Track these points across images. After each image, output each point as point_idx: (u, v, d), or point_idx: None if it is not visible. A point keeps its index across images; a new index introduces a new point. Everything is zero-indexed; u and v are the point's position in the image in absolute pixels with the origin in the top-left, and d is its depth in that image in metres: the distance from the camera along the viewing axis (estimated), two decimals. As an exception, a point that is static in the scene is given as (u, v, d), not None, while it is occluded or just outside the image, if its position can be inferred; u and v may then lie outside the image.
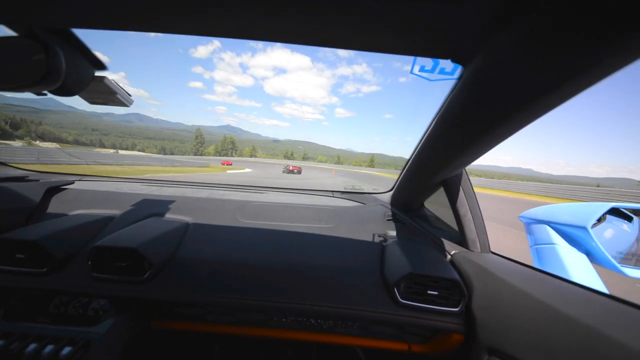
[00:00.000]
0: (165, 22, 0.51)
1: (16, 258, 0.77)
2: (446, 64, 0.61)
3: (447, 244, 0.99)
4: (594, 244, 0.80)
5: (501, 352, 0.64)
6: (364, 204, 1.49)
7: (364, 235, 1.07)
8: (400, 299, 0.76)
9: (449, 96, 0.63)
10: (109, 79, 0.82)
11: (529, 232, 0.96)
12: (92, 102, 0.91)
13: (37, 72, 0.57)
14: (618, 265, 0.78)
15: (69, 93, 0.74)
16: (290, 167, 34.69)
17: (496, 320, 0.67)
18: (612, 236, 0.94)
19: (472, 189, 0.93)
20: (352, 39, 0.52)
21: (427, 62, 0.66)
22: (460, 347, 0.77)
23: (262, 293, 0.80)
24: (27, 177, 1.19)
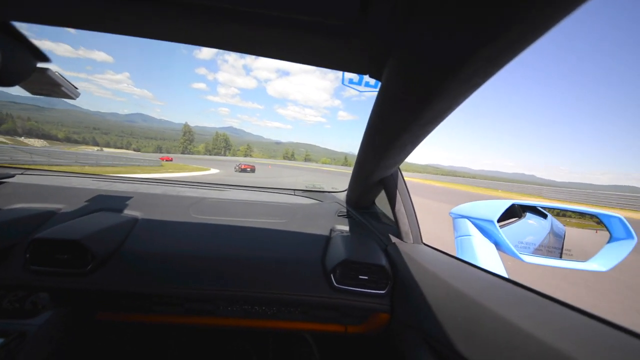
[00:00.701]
0: (98, 20, 0.54)
1: None
2: (370, 78, 0.70)
3: (386, 237, 1.11)
4: (499, 235, 0.94)
5: (416, 327, 0.75)
6: (321, 201, 1.58)
7: (314, 229, 1.15)
8: (335, 284, 0.85)
9: (372, 107, 0.73)
10: (52, 71, 0.82)
11: (455, 225, 1.10)
12: (35, 93, 0.89)
13: None
14: (517, 253, 0.94)
15: (6, 83, 0.73)
16: (242, 166, 32.25)
17: (413, 301, 0.78)
18: (515, 232, 1.11)
19: (406, 187, 1.05)
20: (273, 49, 0.59)
21: (354, 76, 0.76)
22: (387, 325, 0.88)
23: (208, 283, 0.85)
24: None
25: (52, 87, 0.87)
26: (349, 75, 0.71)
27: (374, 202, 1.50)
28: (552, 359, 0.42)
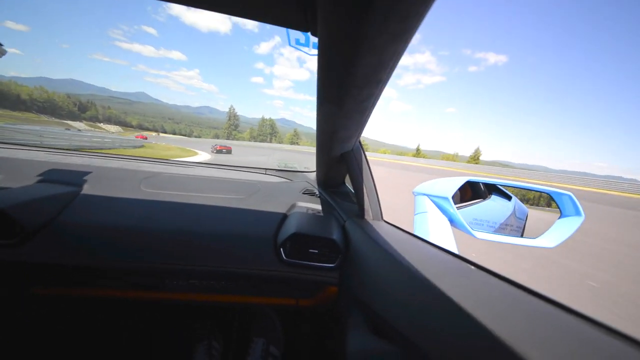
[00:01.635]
0: None
1: None
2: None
3: (348, 214, 1.09)
4: (453, 211, 0.94)
5: (361, 301, 0.74)
6: (291, 180, 1.54)
7: (274, 206, 1.12)
8: (284, 257, 0.83)
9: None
10: None
11: (415, 203, 1.10)
12: None
13: None
14: (470, 230, 0.94)
15: None
16: (218, 147, 33.78)
17: (361, 275, 0.78)
18: (472, 210, 1.12)
19: (368, 164, 1.03)
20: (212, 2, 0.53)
21: (300, 36, 0.71)
22: (336, 298, 0.88)
23: (151, 257, 0.81)
24: None
25: None
26: (294, 35, 0.65)
27: (344, 182, 1.48)
28: (486, 338, 0.39)
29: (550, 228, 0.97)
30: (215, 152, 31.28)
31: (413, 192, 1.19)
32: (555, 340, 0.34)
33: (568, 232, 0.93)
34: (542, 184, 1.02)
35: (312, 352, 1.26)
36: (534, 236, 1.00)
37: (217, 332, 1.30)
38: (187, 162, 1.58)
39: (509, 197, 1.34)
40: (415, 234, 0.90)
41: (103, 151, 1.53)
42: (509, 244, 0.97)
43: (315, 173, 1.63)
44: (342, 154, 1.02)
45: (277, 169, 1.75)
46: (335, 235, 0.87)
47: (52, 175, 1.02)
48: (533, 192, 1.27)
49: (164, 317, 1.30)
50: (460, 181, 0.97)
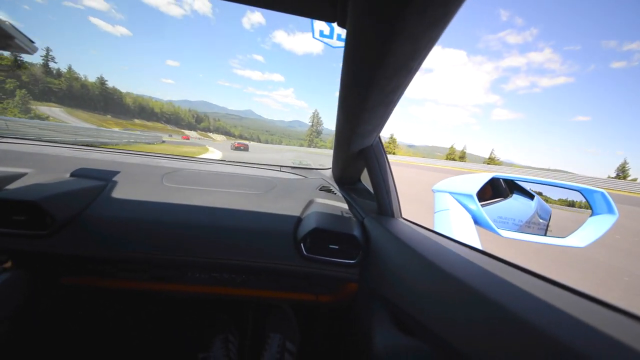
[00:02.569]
0: None
1: None
2: (342, 30, 0.64)
3: (365, 210, 1.08)
4: (478, 209, 0.91)
5: (382, 297, 0.73)
6: (306, 177, 1.54)
7: (292, 202, 1.12)
8: (305, 253, 0.83)
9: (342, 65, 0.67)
10: (3, 22, 0.75)
11: (435, 201, 1.07)
12: None
13: None
14: (495, 228, 0.91)
15: None
16: (237, 144, 40.18)
17: (382, 271, 0.76)
18: (497, 208, 1.08)
19: (387, 160, 1.01)
20: None
21: (325, 27, 0.70)
22: (355, 294, 0.87)
23: (174, 250, 0.82)
24: None
25: (5, 39, 0.81)
26: (319, 26, 0.64)
27: (359, 179, 1.46)
28: (518, 329, 0.39)
29: (580, 227, 0.93)
30: (234, 149, 35.03)
31: (432, 190, 1.17)
32: (592, 330, 0.34)
33: (600, 230, 0.89)
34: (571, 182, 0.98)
35: (327, 348, 1.25)
36: (562, 235, 0.96)
37: (233, 326, 1.31)
38: (206, 159, 1.60)
39: (531, 196, 1.30)
40: (437, 231, 0.88)
41: (125, 147, 1.57)
42: (536, 243, 0.93)
43: (330, 170, 1.62)
44: (361, 150, 1.01)
45: (292, 166, 1.75)
46: (356, 231, 0.86)
47: (79, 170, 1.06)
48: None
49: (183, 310, 1.32)
50: (484, 178, 0.94)
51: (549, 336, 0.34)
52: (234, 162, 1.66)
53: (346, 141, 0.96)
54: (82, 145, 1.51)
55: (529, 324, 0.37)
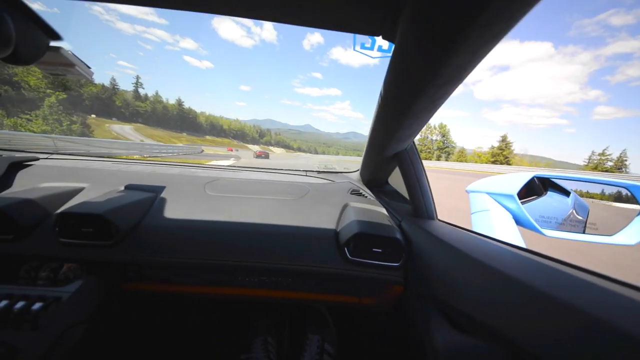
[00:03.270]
0: None
1: None
2: (383, 41, 0.67)
3: (400, 213, 1.09)
4: (519, 209, 0.91)
5: (430, 298, 0.75)
6: (333, 181, 1.57)
7: (327, 206, 1.15)
8: (349, 256, 0.86)
9: (386, 73, 0.69)
10: (65, 50, 0.82)
11: (471, 201, 1.07)
12: (52, 74, 0.91)
13: None
14: (538, 227, 0.90)
15: (23, 62, 0.75)
16: (258, 153, 43.48)
17: (428, 272, 0.78)
18: (537, 206, 1.06)
19: (421, 163, 1.02)
20: (287, 13, 0.57)
21: (366, 40, 0.72)
22: (400, 296, 0.89)
23: (226, 254, 0.87)
24: None
25: (66, 67, 0.88)
26: (360, 39, 0.67)
27: (387, 182, 1.47)
28: (582, 323, 0.41)
29: (629, 224, 0.90)
30: (256, 157, 37.85)
31: (467, 190, 1.16)
32: None
33: (651, 228, 0.86)
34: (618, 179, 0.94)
35: (366, 349, 1.27)
36: (609, 233, 0.93)
37: (272, 330, 1.35)
38: (238, 166, 1.66)
39: (567, 193, 1.26)
40: (477, 232, 0.88)
41: (164, 159, 1.66)
42: (582, 241, 0.91)
43: (355, 173, 1.64)
44: (395, 153, 1.02)
45: (317, 171, 1.78)
46: (398, 234, 0.88)
47: (130, 183, 1.13)
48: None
49: (225, 313, 1.38)
50: (525, 177, 0.93)
51: (615, 327, 0.36)
52: (263, 168, 1.71)
53: (381, 145, 0.98)
54: (122, 158, 1.61)
55: (602, 320, 0.38)
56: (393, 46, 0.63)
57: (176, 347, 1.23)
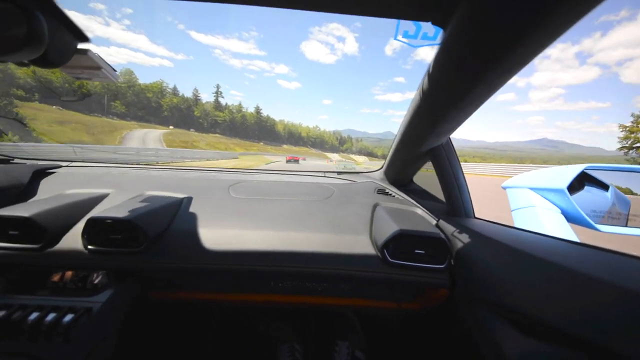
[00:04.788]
0: None
1: (9, 234, 0.77)
2: (428, 28, 0.62)
3: (435, 211, 1.04)
4: (570, 204, 0.85)
5: (482, 299, 0.69)
6: (354, 181, 1.52)
7: (356, 206, 1.10)
8: (389, 259, 0.80)
9: (431, 62, 0.65)
10: (92, 52, 0.80)
11: (510, 198, 1.01)
12: (77, 78, 0.89)
13: (17, 39, 0.56)
14: (592, 223, 0.84)
15: (52, 64, 0.72)
16: (288, 157, 43.57)
17: (478, 273, 0.72)
18: (587, 200, 1.00)
19: (457, 159, 0.97)
20: (334, 2, 0.53)
21: (410, 27, 0.68)
22: (446, 300, 0.83)
23: (258, 259, 0.83)
24: (12, 160, 1.17)
25: (93, 70, 0.86)
26: (404, 26, 0.63)
27: (412, 180, 1.42)
28: None
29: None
30: (287, 162, 38.68)
31: (503, 187, 1.10)
32: None
33: None
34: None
35: (398, 357, 1.21)
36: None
37: (296, 336, 1.31)
38: (255, 169, 1.63)
39: (605, 187, 1.20)
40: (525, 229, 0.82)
41: (181, 165, 1.64)
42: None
43: (376, 172, 1.59)
44: (430, 149, 0.97)
45: (336, 171, 1.73)
46: (442, 234, 0.82)
47: (153, 188, 1.10)
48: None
49: (247, 320, 1.33)
50: (575, 170, 0.87)
51: None
52: (281, 170, 1.67)
53: (417, 140, 0.93)
54: (140, 164, 1.59)
55: None
56: (441, 32, 0.59)
57: (203, 356, 1.19)
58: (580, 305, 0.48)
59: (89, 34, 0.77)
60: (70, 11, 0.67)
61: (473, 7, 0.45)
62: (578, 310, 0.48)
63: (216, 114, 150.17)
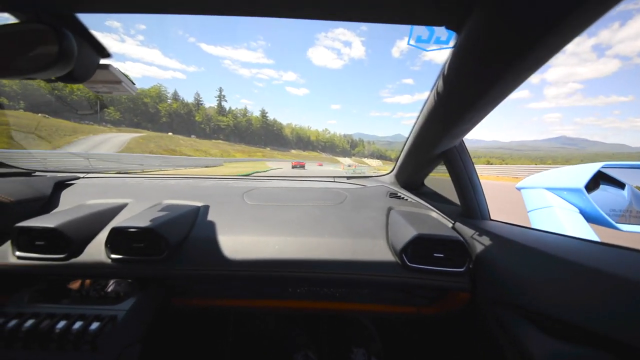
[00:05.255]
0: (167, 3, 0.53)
1: (36, 245, 0.79)
2: (441, 32, 0.63)
3: (450, 214, 1.03)
4: (589, 203, 0.83)
5: (506, 302, 0.68)
6: (365, 185, 1.52)
7: (370, 210, 1.10)
8: (408, 263, 0.80)
9: (444, 65, 0.66)
10: (113, 67, 0.83)
11: (526, 198, 1.00)
12: (98, 92, 0.92)
13: (48, 57, 0.59)
14: (613, 222, 0.83)
15: (77, 80, 0.75)
16: (294, 163, 42.43)
17: (499, 275, 0.71)
18: (605, 199, 0.98)
19: (471, 160, 0.97)
20: (348, 10, 0.55)
21: (423, 32, 0.69)
22: (466, 304, 0.82)
23: (276, 265, 0.83)
24: (34, 173, 1.21)
25: (113, 84, 0.89)
26: (417, 31, 0.64)
27: (423, 183, 1.42)
28: None
29: None
30: (292, 168, 37.83)
31: (517, 188, 1.10)
32: None
33: None
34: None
35: None
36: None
37: (310, 343, 1.30)
38: (265, 176, 1.65)
39: (622, 185, 1.18)
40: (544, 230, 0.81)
41: (195, 173, 1.66)
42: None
43: (386, 176, 1.59)
44: (443, 152, 0.98)
45: (345, 176, 1.74)
46: (461, 237, 0.82)
47: (170, 196, 1.12)
48: None
49: (265, 326, 1.33)
50: (593, 168, 0.86)
51: None
52: (291, 176, 1.68)
53: (430, 143, 0.93)
54: (155, 174, 1.62)
55: None
56: (454, 35, 0.60)
57: None
58: (606, 303, 0.48)
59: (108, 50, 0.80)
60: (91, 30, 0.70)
61: (488, 11, 0.46)
62: (603, 309, 0.48)
63: (219, 118, 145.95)
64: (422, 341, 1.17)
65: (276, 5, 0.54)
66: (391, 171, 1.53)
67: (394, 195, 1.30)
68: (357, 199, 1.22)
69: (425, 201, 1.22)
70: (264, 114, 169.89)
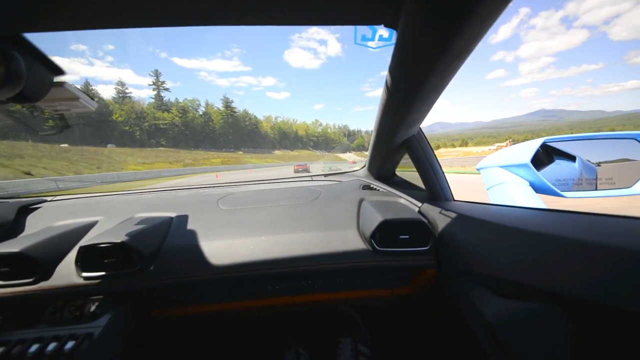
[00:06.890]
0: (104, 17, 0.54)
1: (1, 272, 0.77)
2: (383, 31, 0.69)
3: (416, 199, 1.09)
4: (536, 176, 0.92)
5: (467, 272, 0.74)
6: (341, 181, 1.57)
7: (343, 204, 1.14)
8: (377, 247, 0.85)
9: (390, 61, 0.71)
10: (69, 84, 0.82)
11: (484, 177, 1.07)
12: (55, 111, 0.90)
13: None
14: (558, 191, 0.91)
15: (30, 100, 0.74)
16: (296, 167, 38.01)
17: (459, 249, 0.77)
18: (555, 171, 1.08)
19: (430, 147, 1.03)
20: (291, 15, 0.58)
21: (367, 31, 0.74)
22: (434, 281, 0.87)
23: (251, 265, 0.86)
24: None
25: (70, 101, 0.88)
26: (361, 31, 0.69)
27: (394, 173, 1.48)
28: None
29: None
30: (295, 172, 34.86)
31: (477, 169, 1.17)
32: None
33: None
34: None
35: (399, 345, 1.24)
36: (628, 185, 0.95)
37: (301, 339, 1.32)
38: (241, 182, 1.65)
39: (572, 158, 1.29)
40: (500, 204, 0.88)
41: (168, 187, 1.64)
42: (604, 197, 0.92)
43: (362, 170, 1.65)
44: (403, 141, 1.03)
45: (322, 174, 1.78)
46: (422, 217, 0.88)
47: (142, 210, 1.12)
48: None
49: (251, 330, 1.34)
50: (535, 144, 0.95)
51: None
52: (269, 180, 1.70)
53: (390, 134, 0.99)
54: (127, 190, 1.59)
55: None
56: (395, 33, 0.65)
57: None
58: (551, 263, 0.53)
59: (74, 76, 0.78)
60: (54, 56, 0.69)
61: (414, 8, 0.51)
62: (545, 266, 0.54)
63: (157, 115, 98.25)
64: (402, 322, 1.23)
65: (220, 14, 0.57)
66: (364, 166, 1.59)
67: (366, 187, 1.35)
68: (332, 194, 1.26)
69: (397, 189, 1.28)
70: (228, 105, 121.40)
